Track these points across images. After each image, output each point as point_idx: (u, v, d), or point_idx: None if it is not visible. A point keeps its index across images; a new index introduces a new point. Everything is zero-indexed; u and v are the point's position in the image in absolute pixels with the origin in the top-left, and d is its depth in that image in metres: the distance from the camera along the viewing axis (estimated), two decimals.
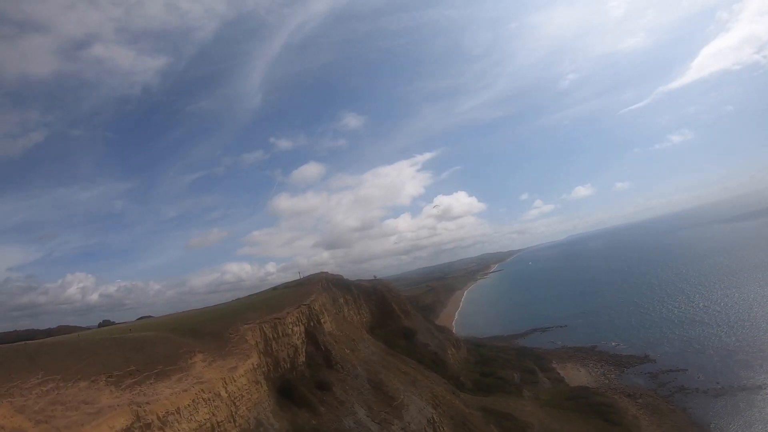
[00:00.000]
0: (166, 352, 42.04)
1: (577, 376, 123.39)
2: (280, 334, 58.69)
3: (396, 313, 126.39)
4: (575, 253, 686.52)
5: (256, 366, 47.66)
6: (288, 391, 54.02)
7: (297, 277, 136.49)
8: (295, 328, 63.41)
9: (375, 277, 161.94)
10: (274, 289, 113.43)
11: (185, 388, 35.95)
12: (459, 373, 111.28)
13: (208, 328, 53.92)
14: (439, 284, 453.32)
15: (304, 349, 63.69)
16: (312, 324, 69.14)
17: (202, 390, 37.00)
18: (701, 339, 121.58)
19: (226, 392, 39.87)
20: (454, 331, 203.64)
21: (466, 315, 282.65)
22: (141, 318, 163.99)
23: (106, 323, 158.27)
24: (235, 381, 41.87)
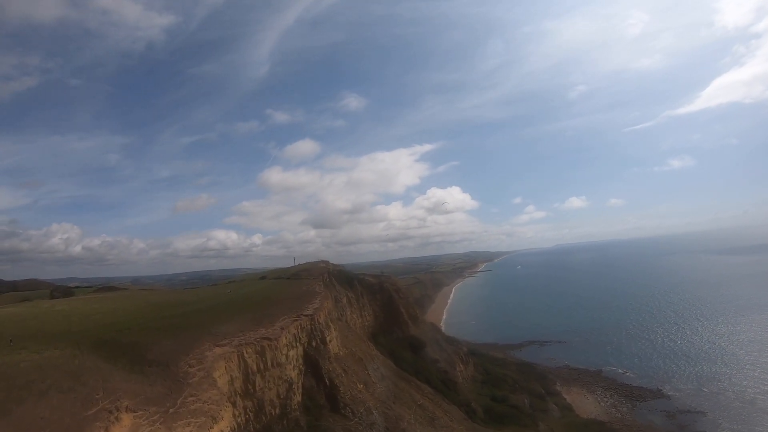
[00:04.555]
0: (58, 417, 21.99)
1: (585, 404, 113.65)
2: (269, 364, 38.61)
3: (403, 319, 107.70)
4: (564, 263, 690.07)
5: None
6: None
7: (288, 261, 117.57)
8: (291, 353, 43.27)
9: (382, 272, 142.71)
10: (263, 278, 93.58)
11: None
12: (470, 397, 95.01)
13: (157, 349, 33.82)
14: (426, 277, 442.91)
15: (300, 384, 43.68)
16: (314, 344, 49.16)
17: None
18: (716, 379, 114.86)
19: None
20: (443, 328, 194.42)
21: (456, 314, 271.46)
22: (102, 288, 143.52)
23: (59, 290, 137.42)
24: None
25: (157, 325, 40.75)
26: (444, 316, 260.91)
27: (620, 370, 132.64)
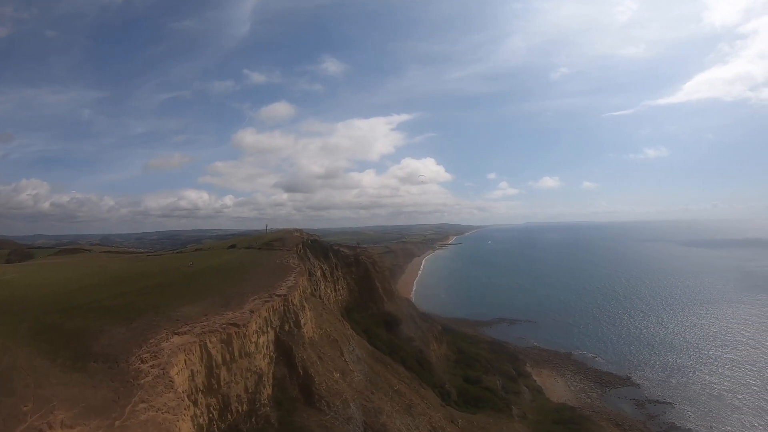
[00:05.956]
0: None
1: (556, 387, 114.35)
2: (236, 354, 33.49)
3: (379, 294, 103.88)
4: (534, 241, 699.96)
5: None
6: None
7: (259, 224, 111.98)
8: (261, 339, 37.91)
9: (358, 243, 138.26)
10: (232, 246, 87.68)
11: None
12: (444, 378, 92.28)
13: (105, 339, 28.82)
14: (398, 247, 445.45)
15: (271, 375, 38.96)
16: (287, 328, 44.24)
17: None
18: (682, 371, 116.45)
19: None
20: (412, 299, 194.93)
21: (426, 287, 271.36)
22: (63, 250, 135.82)
23: (16, 252, 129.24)
24: None
25: (109, 305, 35.31)
26: (414, 288, 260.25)
27: (590, 354, 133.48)
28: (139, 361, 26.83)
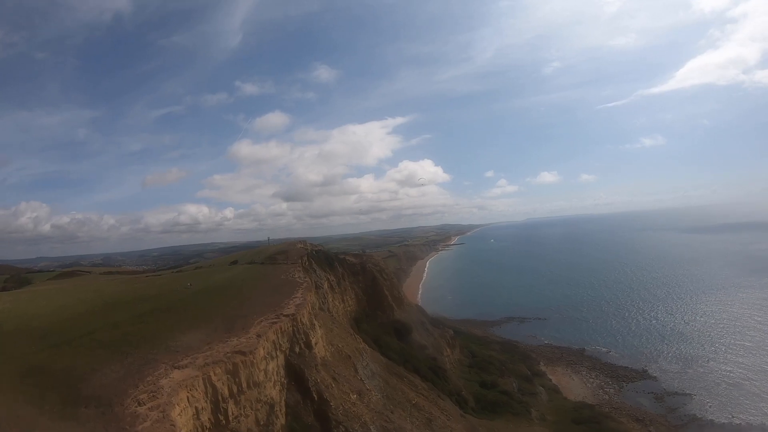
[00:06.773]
0: None
1: (572, 385, 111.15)
2: (244, 385, 30.43)
3: (387, 302, 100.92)
4: (536, 237, 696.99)
5: None
6: None
7: (260, 235, 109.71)
8: (270, 366, 34.71)
9: (363, 251, 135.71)
10: (234, 263, 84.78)
11: None
12: (460, 384, 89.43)
13: (97, 379, 25.95)
14: (400, 251, 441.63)
15: (283, 403, 35.94)
16: (297, 350, 41.15)
17: None
18: (698, 360, 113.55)
19: None
20: (419, 302, 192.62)
21: (432, 289, 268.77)
22: (62, 273, 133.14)
23: (13, 278, 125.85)
24: None
25: (101, 338, 32.39)
26: (420, 291, 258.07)
27: (603, 349, 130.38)
28: (136, 404, 23.96)
